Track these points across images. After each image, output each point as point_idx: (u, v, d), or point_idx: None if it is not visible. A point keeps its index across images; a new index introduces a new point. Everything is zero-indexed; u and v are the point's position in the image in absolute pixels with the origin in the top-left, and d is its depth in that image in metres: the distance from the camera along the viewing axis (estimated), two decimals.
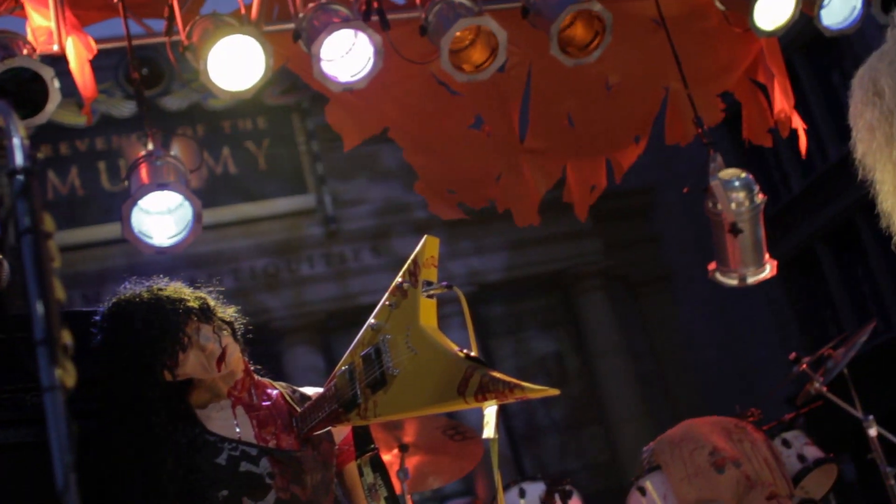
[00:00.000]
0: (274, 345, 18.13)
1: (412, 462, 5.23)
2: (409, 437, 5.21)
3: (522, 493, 5.51)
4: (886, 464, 5.59)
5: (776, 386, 8.62)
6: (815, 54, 17.54)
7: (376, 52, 5.56)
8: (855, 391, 5.88)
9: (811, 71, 17.92)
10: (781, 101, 6.90)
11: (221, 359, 2.80)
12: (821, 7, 6.28)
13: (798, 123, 6.72)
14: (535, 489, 5.46)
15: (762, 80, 7.00)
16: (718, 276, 5.99)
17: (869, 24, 6.53)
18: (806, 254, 18.96)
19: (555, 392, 2.57)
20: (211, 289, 2.99)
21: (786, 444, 5.48)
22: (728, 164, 5.98)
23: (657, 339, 20.37)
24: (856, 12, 6.34)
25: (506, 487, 5.57)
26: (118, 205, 5.49)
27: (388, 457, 5.18)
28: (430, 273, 2.84)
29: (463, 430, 5.19)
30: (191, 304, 2.83)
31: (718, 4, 6.42)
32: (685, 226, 18.81)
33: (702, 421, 5.31)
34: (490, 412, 2.67)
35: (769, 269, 5.97)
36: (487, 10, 5.92)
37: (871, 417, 5.59)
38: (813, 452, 5.49)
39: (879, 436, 5.54)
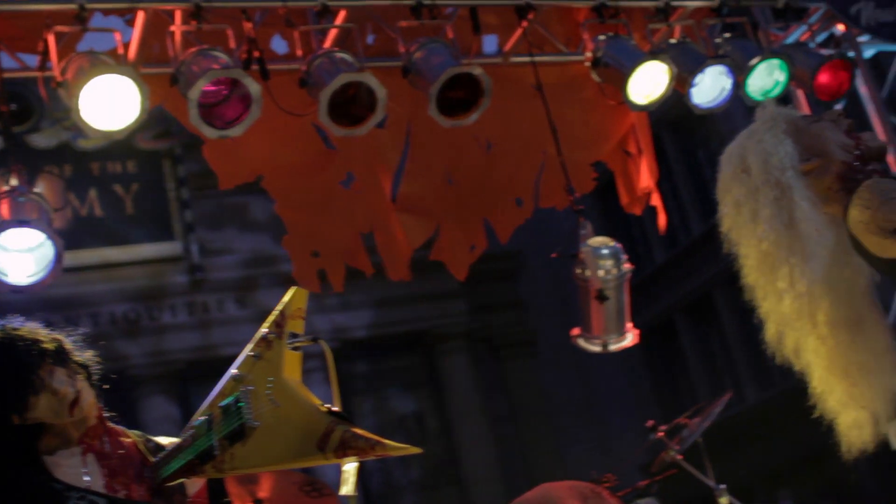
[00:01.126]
0: (130, 392, 17.68)
1: None
2: (263, 492, 5.10)
3: None
4: None
5: (633, 452, 8.72)
6: (682, 132, 18.06)
7: (254, 102, 5.52)
8: (708, 460, 5.98)
9: (678, 147, 18.44)
10: (646, 177, 7.08)
11: (74, 404, 2.70)
12: (692, 86, 6.48)
13: (657, 201, 6.90)
14: None
15: (633, 152, 7.17)
16: (581, 342, 6.06)
17: (736, 106, 6.77)
18: (665, 324, 19.37)
19: (416, 450, 2.55)
20: (68, 332, 2.89)
21: None
22: (595, 233, 6.08)
23: (518, 402, 20.47)
24: (725, 93, 6.58)
25: None
26: None
27: None
28: (297, 325, 2.81)
29: (319, 486, 5.12)
30: (46, 345, 2.72)
31: (595, 76, 6.57)
32: (551, 291, 19.06)
33: (559, 485, 5.31)
34: (349, 469, 2.62)
35: (631, 338, 6.07)
36: (369, 67, 5.95)
37: (722, 487, 5.69)
38: None
39: None
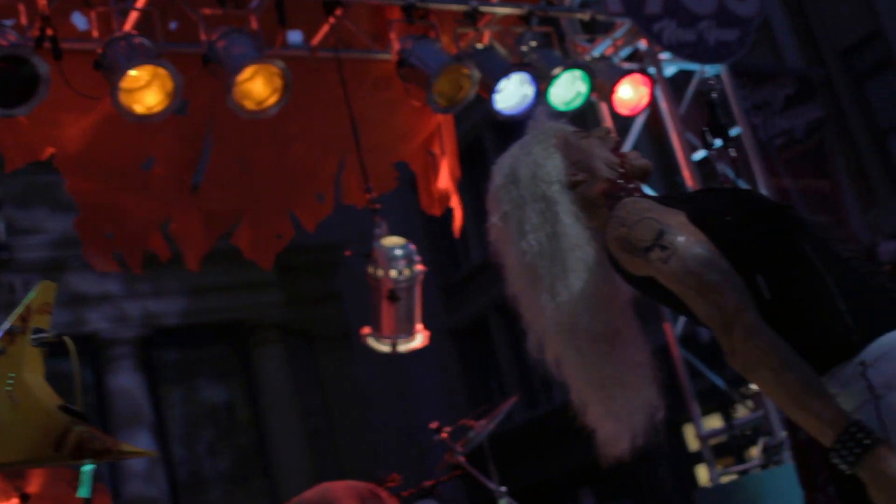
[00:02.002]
0: None
1: None
2: (31, 488, 4.90)
3: None
4: None
5: (425, 452, 8.77)
6: (504, 134, 18.29)
7: (42, 82, 5.33)
8: (494, 463, 6.02)
9: (500, 149, 18.59)
10: (446, 178, 7.13)
11: None
12: (495, 91, 6.55)
13: (455, 203, 6.96)
14: None
15: (437, 153, 7.21)
16: (371, 342, 6.06)
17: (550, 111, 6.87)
18: (479, 324, 19.59)
19: (152, 453, 2.47)
20: None
21: None
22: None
23: (331, 396, 20.41)
24: (527, 100, 6.67)
25: None
26: None
27: None
28: (43, 320, 2.70)
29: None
30: None
31: (400, 76, 6.57)
32: (368, 285, 19.01)
33: (337, 485, 5.29)
34: (86, 471, 2.54)
35: (420, 339, 6.09)
36: (170, 53, 5.82)
37: (503, 489, 5.74)
38: None
39: None
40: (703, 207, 2.62)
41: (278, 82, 5.89)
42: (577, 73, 6.82)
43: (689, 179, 7.52)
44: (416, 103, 6.65)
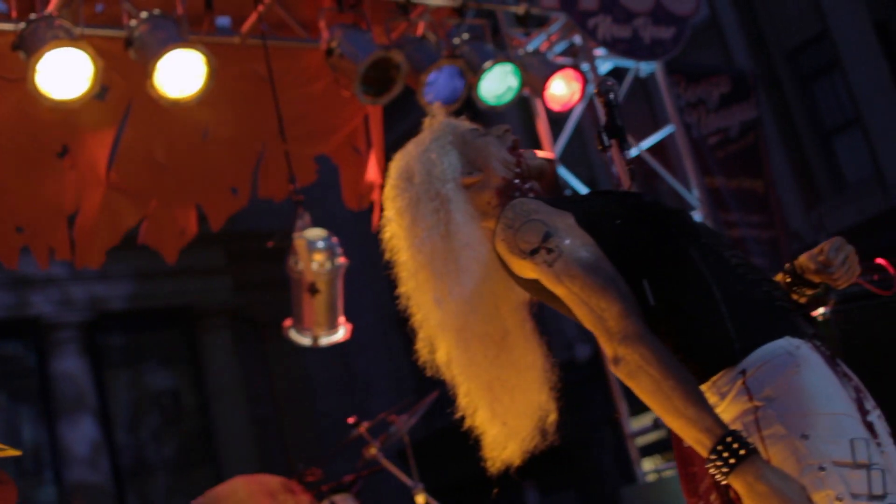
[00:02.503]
0: None
1: None
2: None
3: None
4: None
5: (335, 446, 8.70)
6: None
7: None
8: (415, 459, 5.99)
9: None
10: (374, 172, 7.06)
11: None
12: (425, 84, 6.51)
13: (378, 197, 6.90)
14: None
15: (361, 147, 7.14)
16: (293, 334, 6.00)
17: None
18: None
19: (16, 453, 2.40)
20: None
21: None
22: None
23: (279, 383, 20.29)
24: (457, 93, 6.63)
25: None
26: None
27: None
28: None
29: None
30: None
31: (329, 66, 6.48)
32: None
33: (250, 479, 5.25)
34: None
35: (343, 332, 6.04)
36: (92, 37, 5.72)
37: (420, 485, 5.71)
38: None
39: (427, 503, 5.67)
40: (592, 210, 2.59)
41: (202, 69, 5.79)
42: (509, 67, 6.77)
43: (623, 178, 7.49)
44: (347, 93, 6.56)
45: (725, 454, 2.18)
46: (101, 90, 6.32)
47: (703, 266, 2.44)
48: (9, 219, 6.36)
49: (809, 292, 2.67)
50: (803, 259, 2.64)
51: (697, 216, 7.55)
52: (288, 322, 6.03)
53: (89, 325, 18.23)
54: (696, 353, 2.39)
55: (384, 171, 6.78)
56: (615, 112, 2.76)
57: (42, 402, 19.16)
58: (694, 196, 7.58)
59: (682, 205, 7.99)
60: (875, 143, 14.05)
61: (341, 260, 5.90)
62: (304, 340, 5.98)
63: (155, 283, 18.72)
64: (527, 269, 2.52)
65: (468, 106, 6.65)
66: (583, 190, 7.91)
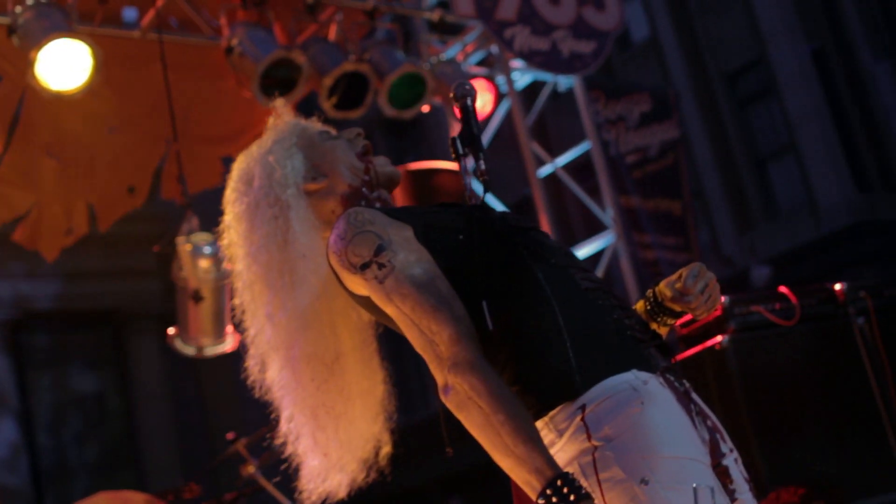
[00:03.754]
0: None
1: None
2: None
3: None
4: None
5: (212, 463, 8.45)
6: (395, 133, 18.07)
7: None
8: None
9: (391, 149, 18.45)
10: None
11: None
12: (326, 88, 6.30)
13: None
14: None
15: None
16: (177, 344, 5.74)
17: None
18: None
19: None
20: None
21: None
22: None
23: (207, 389, 19.99)
24: (368, 99, 6.41)
25: None
26: None
27: None
28: None
29: None
30: None
31: (231, 63, 6.24)
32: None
33: (114, 496, 4.98)
34: None
35: (230, 343, 5.78)
36: None
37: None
38: None
39: None
40: (433, 223, 2.36)
41: (87, 61, 5.52)
42: (417, 75, 6.57)
43: (536, 193, 7.33)
44: (248, 94, 6.32)
45: (554, 499, 1.96)
46: None
47: (549, 289, 2.22)
48: None
49: (671, 321, 2.47)
50: (662, 286, 2.43)
51: (610, 236, 7.39)
52: (172, 330, 5.76)
53: (13, 324, 17.83)
54: (534, 385, 2.16)
55: None
56: (472, 119, 2.55)
57: None
58: (608, 215, 7.41)
59: (595, 225, 7.85)
60: (808, 170, 14.04)
61: (228, 266, 5.62)
62: (188, 350, 5.72)
63: (83, 283, 18.39)
64: (358, 286, 2.30)
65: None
66: (499, 206, 7.73)
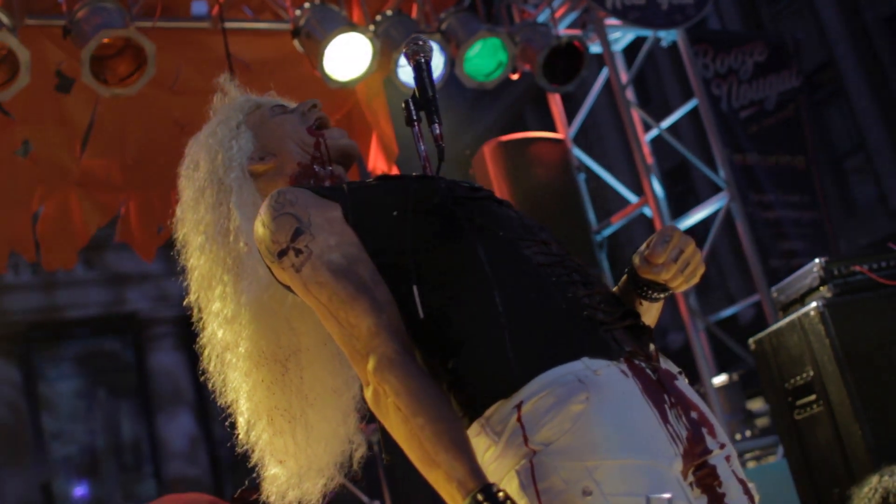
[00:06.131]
0: None
1: None
2: None
3: None
4: None
5: None
6: (545, 109, 17.70)
7: None
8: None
9: (541, 125, 18.12)
10: (376, 156, 6.62)
11: None
12: (397, 64, 6.06)
13: None
14: None
15: (359, 130, 6.69)
16: None
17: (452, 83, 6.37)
18: None
19: None
20: None
21: None
22: None
23: None
24: (437, 71, 6.12)
25: None
26: None
27: None
28: None
29: None
30: None
31: (298, 46, 6.05)
32: None
33: (179, 498, 4.87)
34: None
35: None
36: (30, 25, 5.41)
37: (376, 502, 5.28)
38: None
39: None
40: (366, 199, 2.07)
41: (142, 56, 5.42)
42: (497, 41, 6.22)
43: (647, 157, 6.89)
44: (318, 74, 6.11)
45: None
46: (66, 83, 6.04)
47: (491, 267, 1.90)
48: None
49: (661, 295, 2.09)
50: (636, 256, 2.06)
51: (724, 198, 6.88)
52: None
53: (185, 320, 18.34)
54: (467, 381, 1.84)
55: (392, 154, 6.31)
56: (426, 79, 2.27)
57: (140, 397, 19.46)
58: (720, 177, 6.90)
59: (710, 186, 7.34)
60: None
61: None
62: None
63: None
64: (281, 274, 2.04)
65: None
66: (601, 173, 7.33)
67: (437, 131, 2.29)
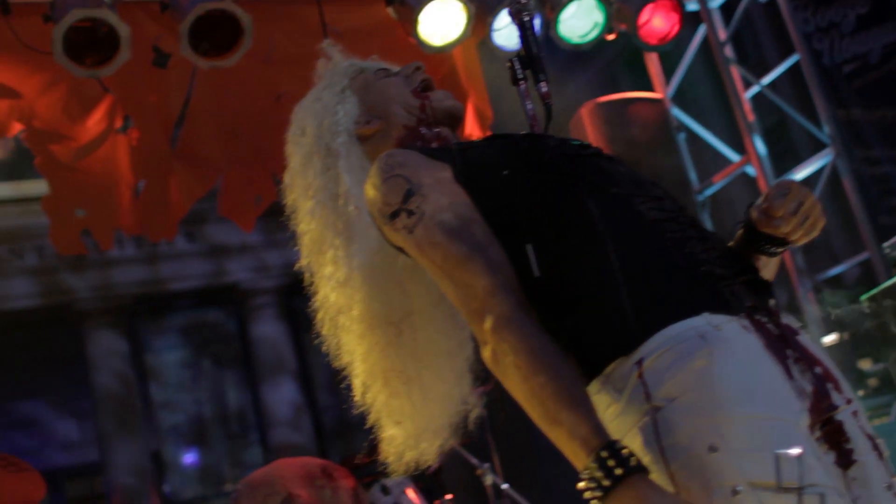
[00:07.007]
0: (77, 327, 17.56)
1: None
2: None
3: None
4: None
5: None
6: (640, 70, 17.46)
7: None
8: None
9: (636, 87, 17.88)
10: (472, 123, 6.60)
11: None
12: (492, 28, 6.00)
13: None
14: None
15: (455, 96, 6.66)
16: None
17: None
18: None
19: None
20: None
21: (385, 490, 5.14)
22: None
23: None
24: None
25: None
26: None
27: None
28: None
29: (14, 461, 4.75)
30: None
31: (392, 14, 6.05)
32: None
33: (288, 463, 4.94)
34: None
35: None
36: (127, 2, 5.50)
37: (486, 465, 5.29)
38: (409, 501, 5.13)
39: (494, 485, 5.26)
40: (476, 159, 2.09)
41: (239, 28, 5.47)
42: (592, 1, 6.14)
43: (748, 114, 6.77)
44: (414, 41, 6.10)
45: (598, 473, 1.63)
46: (163, 58, 6.11)
47: (605, 224, 1.89)
48: (69, 203, 6.22)
49: (779, 250, 2.06)
50: (754, 210, 2.03)
51: (829, 154, 6.72)
52: None
53: (287, 290, 18.56)
54: (585, 339, 1.84)
55: (487, 119, 6.28)
56: (530, 38, 2.28)
57: (244, 366, 19.75)
58: (824, 133, 6.74)
59: (810, 144, 7.19)
60: None
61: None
62: None
63: None
64: (392, 236, 2.06)
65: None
66: (701, 132, 7.21)
67: (545, 89, 2.30)
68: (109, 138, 6.14)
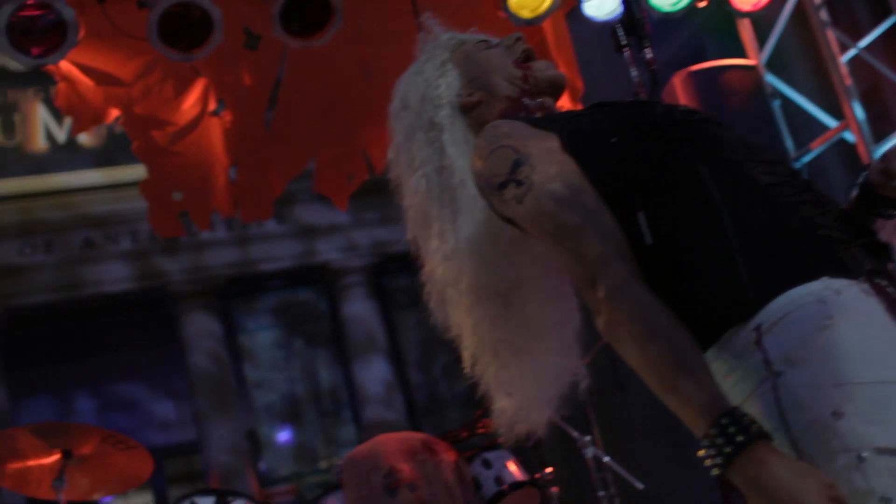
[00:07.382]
0: (170, 309, 17.87)
1: (76, 471, 4.88)
2: (75, 445, 4.86)
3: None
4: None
5: None
6: (727, 38, 17.18)
7: (69, 28, 5.15)
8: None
9: (721, 57, 17.60)
10: (563, 95, 6.54)
11: None
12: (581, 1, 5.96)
13: None
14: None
15: None
16: None
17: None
18: None
19: None
20: None
21: (486, 464, 5.11)
22: None
23: None
24: (620, 3, 5.98)
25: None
26: (11, 160, 5.11)
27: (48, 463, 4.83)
28: None
29: (123, 439, 4.85)
30: None
31: None
32: None
33: (390, 438, 4.97)
34: None
35: None
36: None
37: (587, 438, 5.27)
38: (511, 475, 5.11)
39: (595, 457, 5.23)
40: (582, 128, 2.09)
41: (330, 7, 5.49)
42: None
43: (845, 79, 6.62)
44: (503, 14, 6.07)
45: (719, 441, 1.63)
46: (254, 40, 6.17)
47: (717, 190, 1.89)
48: (167, 186, 6.33)
49: (895, 212, 2.02)
50: (871, 171, 2.00)
51: None
52: None
53: (375, 269, 18.66)
54: (700, 306, 1.84)
55: (578, 92, 6.24)
56: (633, 3, 2.26)
57: (336, 344, 19.92)
58: None
59: None
60: None
61: None
62: None
63: None
64: (501, 206, 2.07)
65: None
66: (797, 99, 7.07)
67: (649, 55, 2.26)
68: (203, 121, 6.22)
